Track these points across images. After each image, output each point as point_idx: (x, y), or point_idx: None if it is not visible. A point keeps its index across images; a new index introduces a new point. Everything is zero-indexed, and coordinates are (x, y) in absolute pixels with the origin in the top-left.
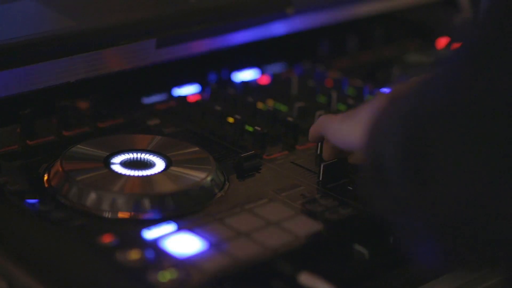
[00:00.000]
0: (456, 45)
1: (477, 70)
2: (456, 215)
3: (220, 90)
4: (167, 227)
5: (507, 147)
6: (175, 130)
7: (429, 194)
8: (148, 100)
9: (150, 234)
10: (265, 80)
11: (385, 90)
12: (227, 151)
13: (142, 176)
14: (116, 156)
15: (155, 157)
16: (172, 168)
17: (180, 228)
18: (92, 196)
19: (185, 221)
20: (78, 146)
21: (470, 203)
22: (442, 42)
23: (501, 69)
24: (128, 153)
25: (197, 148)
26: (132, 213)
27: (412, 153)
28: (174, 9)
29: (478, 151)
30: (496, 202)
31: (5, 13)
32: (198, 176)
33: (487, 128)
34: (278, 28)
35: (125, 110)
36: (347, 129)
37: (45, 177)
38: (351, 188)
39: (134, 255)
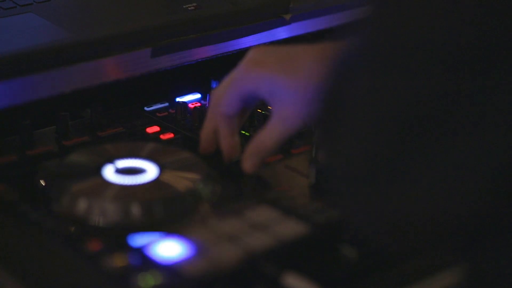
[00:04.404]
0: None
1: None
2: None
3: None
4: (155, 233)
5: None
6: (173, 137)
7: (337, 142)
8: (149, 108)
9: (137, 240)
10: None
11: None
12: (222, 156)
13: (134, 184)
14: (110, 164)
15: (148, 164)
16: (164, 174)
17: (168, 234)
18: (83, 204)
19: (174, 226)
20: (73, 155)
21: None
22: None
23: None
24: (122, 161)
25: (190, 154)
26: (122, 220)
27: (329, 103)
28: (171, 18)
29: (380, 104)
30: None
31: (5, 25)
32: (189, 182)
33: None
34: (276, 34)
35: (126, 119)
36: None
37: (41, 186)
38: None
39: (120, 261)
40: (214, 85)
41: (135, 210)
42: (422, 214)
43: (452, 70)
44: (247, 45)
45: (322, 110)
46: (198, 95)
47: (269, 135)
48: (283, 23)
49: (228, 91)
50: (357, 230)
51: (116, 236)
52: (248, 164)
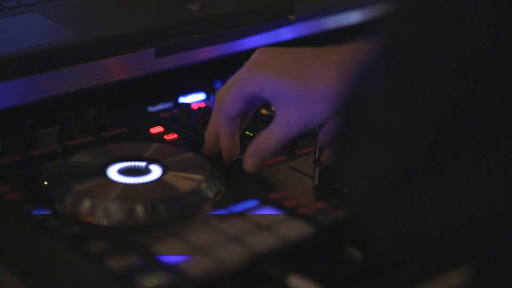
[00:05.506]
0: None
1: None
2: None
3: None
4: (159, 233)
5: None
6: (177, 137)
7: (355, 157)
8: (153, 108)
9: (141, 240)
10: None
11: None
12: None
13: (137, 184)
14: (114, 164)
15: (152, 164)
16: (168, 174)
17: (171, 234)
18: (87, 204)
19: (177, 226)
20: (77, 155)
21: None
22: None
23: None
24: (126, 161)
25: (193, 154)
26: (125, 220)
27: (348, 118)
28: (175, 18)
29: (403, 119)
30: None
31: (9, 25)
32: (193, 182)
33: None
34: (281, 35)
35: (130, 119)
36: None
37: (44, 186)
38: (346, 192)
39: (124, 261)
40: (218, 85)
41: (139, 210)
42: (444, 221)
43: (473, 74)
44: (251, 45)
45: (340, 117)
46: (202, 96)
47: (271, 136)
48: (288, 23)
49: (231, 92)
50: (371, 238)
51: (120, 236)
52: (248, 164)
